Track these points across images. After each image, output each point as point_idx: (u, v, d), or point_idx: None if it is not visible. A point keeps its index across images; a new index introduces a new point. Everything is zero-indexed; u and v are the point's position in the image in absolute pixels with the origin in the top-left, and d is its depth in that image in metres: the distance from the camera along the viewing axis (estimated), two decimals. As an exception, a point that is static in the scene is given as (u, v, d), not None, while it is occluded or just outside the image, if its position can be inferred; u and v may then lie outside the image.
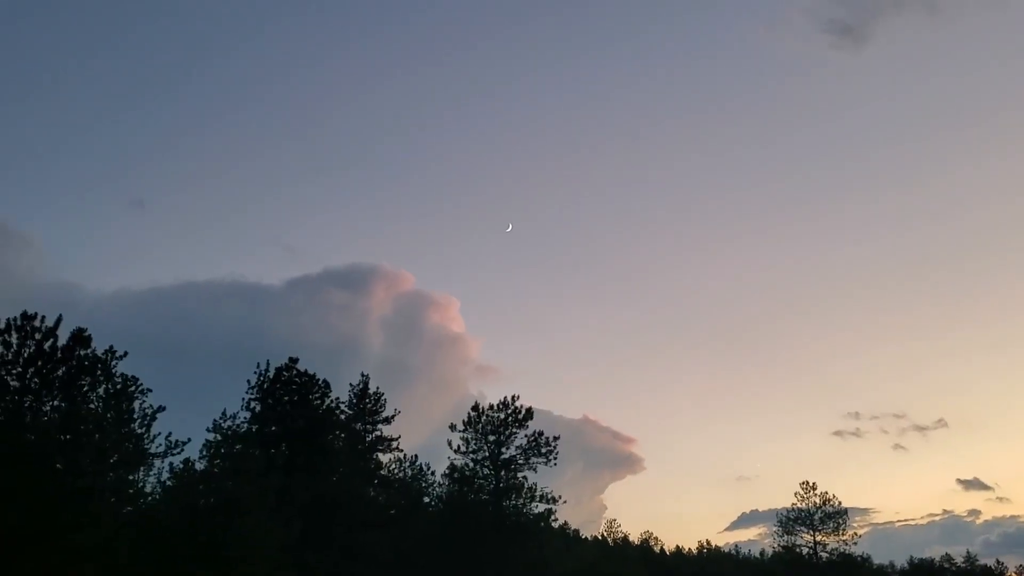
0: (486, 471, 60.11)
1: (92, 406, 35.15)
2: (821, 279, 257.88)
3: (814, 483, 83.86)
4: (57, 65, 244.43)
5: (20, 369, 33.62)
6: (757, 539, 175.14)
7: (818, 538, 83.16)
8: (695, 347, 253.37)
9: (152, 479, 38.28)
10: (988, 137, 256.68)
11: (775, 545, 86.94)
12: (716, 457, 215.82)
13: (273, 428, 49.35)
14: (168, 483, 38.53)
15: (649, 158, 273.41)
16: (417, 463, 60.87)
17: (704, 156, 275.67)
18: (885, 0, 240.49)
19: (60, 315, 34.71)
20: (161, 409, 37.38)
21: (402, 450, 59.03)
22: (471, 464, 60.31)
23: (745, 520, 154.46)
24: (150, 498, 38.27)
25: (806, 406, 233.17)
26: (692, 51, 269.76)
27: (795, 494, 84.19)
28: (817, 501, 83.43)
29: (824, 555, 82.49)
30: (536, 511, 59.43)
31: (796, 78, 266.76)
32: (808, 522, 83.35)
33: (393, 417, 57.96)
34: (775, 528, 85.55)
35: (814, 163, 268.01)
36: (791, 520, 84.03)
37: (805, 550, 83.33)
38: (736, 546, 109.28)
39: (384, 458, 58.37)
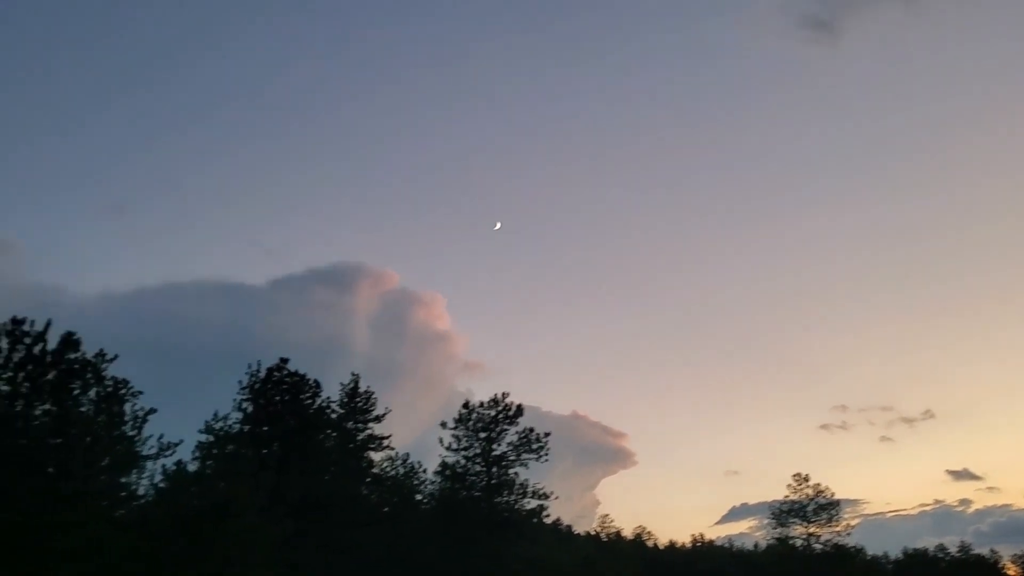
0: (477, 468, 60.38)
1: (83, 409, 35.36)
2: (806, 274, 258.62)
3: (807, 475, 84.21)
4: (29, 67, 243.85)
5: (11, 373, 33.82)
6: (748, 532, 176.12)
7: (811, 530, 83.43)
8: (684, 341, 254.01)
9: (145, 481, 38.39)
10: (970, 130, 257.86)
11: (768, 537, 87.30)
12: (706, 451, 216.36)
13: (265, 428, 49.50)
14: (161, 485, 38.67)
15: (632, 158, 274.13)
16: (408, 461, 61.14)
17: (687, 155, 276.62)
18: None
19: (49, 319, 34.95)
20: (152, 411, 37.52)
21: (393, 448, 59.23)
22: (462, 461, 60.57)
23: (736, 513, 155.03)
24: (143, 500, 38.39)
25: (793, 400, 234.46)
26: (674, 52, 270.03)
27: (787, 486, 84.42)
28: (810, 493, 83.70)
29: (818, 546, 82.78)
30: (528, 507, 59.74)
31: (772, 75, 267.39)
32: (801, 514, 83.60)
33: (383, 416, 58.12)
34: (768, 520, 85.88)
35: (795, 160, 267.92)
36: (784, 512, 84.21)
37: (799, 542, 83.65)
38: (729, 539, 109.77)
39: (376, 456, 58.51)
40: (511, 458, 60.37)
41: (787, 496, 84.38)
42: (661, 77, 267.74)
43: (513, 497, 59.35)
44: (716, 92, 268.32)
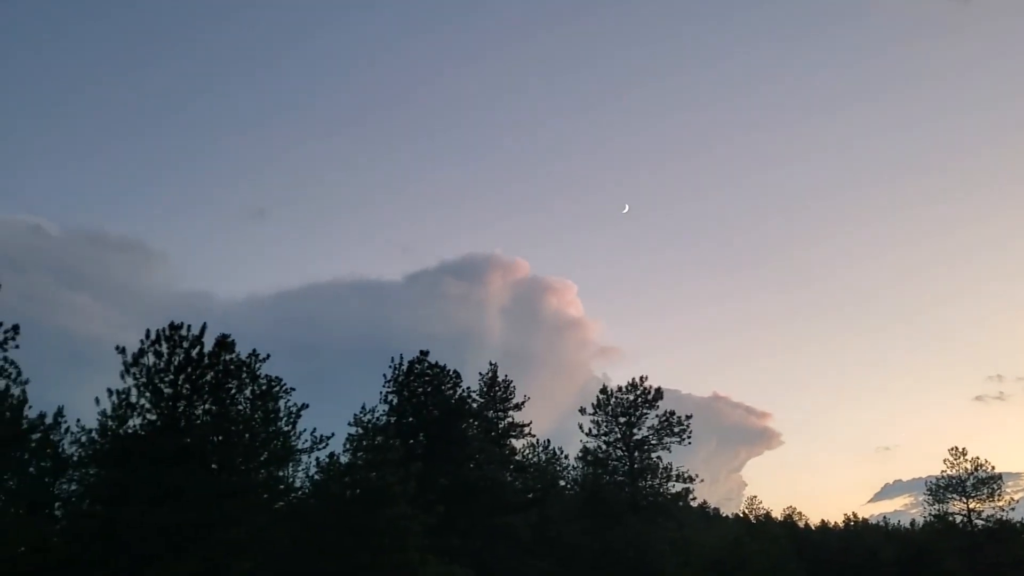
0: (619, 453, 60.35)
1: (240, 407, 36.97)
2: (952, 242, 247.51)
3: (964, 448, 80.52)
4: (168, 92, 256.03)
5: (172, 376, 35.67)
6: (903, 509, 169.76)
7: (971, 505, 79.90)
8: (827, 316, 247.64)
9: (301, 474, 39.80)
10: None
11: (925, 514, 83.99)
12: (855, 428, 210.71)
13: (410, 419, 50.83)
14: (316, 477, 40.05)
15: (763, 134, 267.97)
16: (550, 447, 61.65)
17: (819, 129, 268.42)
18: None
19: (204, 323, 36.60)
20: (305, 407, 38.78)
21: (534, 435, 59.86)
22: (604, 446, 60.67)
23: (889, 491, 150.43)
24: (300, 492, 39.88)
25: (944, 372, 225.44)
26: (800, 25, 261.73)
27: (944, 461, 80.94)
28: (968, 467, 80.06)
29: (979, 522, 79.26)
30: (673, 490, 59.36)
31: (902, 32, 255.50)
32: (960, 489, 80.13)
33: (523, 403, 58.77)
34: (924, 497, 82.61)
35: (935, 124, 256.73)
36: (942, 488, 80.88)
37: (958, 518, 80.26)
38: (884, 517, 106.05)
39: (517, 443, 59.32)
40: (653, 442, 60.11)
41: (944, 471, 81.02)
42: (788, 50, 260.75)
43: (657, 481, 59.14)
44: (846, 55, 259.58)
